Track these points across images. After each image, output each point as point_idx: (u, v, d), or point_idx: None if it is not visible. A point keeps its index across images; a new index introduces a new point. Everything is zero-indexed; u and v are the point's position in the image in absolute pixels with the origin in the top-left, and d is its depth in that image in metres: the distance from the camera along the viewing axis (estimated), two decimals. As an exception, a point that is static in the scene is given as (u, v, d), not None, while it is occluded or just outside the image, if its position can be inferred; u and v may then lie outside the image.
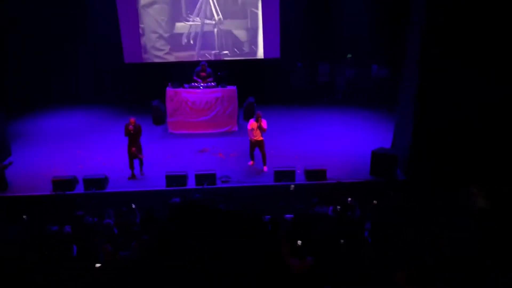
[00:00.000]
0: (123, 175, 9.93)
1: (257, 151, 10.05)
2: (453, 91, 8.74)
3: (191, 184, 9.43)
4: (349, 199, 8.00)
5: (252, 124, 9.77)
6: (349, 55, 14.31)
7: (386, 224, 7.12)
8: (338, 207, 7.88)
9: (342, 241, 6.70)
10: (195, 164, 10.24)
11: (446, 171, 8.90)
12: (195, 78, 12.42)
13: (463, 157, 8.99)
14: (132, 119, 9.48)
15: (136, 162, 9.82)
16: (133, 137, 9.53)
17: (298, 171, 9.64)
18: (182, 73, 12.80)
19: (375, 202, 8.13)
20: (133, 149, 9.55)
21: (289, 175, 9.43)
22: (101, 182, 9.32)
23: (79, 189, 9.39)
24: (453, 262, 5.61)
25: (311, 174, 9.52)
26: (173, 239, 2.05)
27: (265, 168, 9.97)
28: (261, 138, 9.81)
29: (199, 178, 9.34)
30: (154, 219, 7.48)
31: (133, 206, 8.13)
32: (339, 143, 11.43)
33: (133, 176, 9.87)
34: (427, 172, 9.07)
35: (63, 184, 9.27)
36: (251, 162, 10.23)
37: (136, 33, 14.29)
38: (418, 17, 8.88)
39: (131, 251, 6.25)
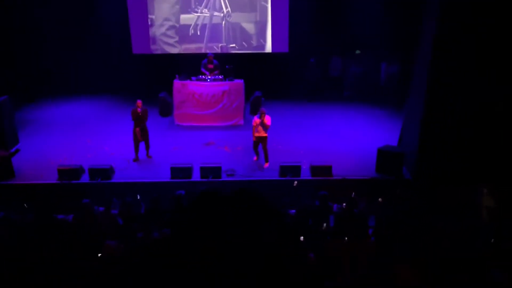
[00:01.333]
0: (129, 166, 9.97)
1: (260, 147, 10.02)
2: (463, 90, 8.66)
3: (196, 176, 9.44)
4: (353, 194, 7.97)
5: (255, 121, 9.73)
6: (357, 51, 14.19)
7: (390, 222, 7.10)
8: (344, 204, 7.86)
9: (345, 238, 6.71)
10: (200, 156, 10.24)
11: (453, 170, 8.85)
12: (202, 70, 12.41)
13: (470, 157, 8.93)
14: (139, 102, 9.86)
15: (142, 145, 10.11)
16: (141, 120, 9.85)
17: (304, 167, 9.61)
18: (190, 65, 12.78)
19: (380, 200, 8.11)
20: (138, 129, 9.83)
21: (294, 170, 9.41)
22: (107, 172, 9.35)
23: (85, 178, 9.44)
24: (455, 261, 5.58)
25: (316, 170, 9.50)
26: (192, 233, 2.00)
27: (266, 165, 9.95)
28: (264, 135, 9.75)
29: (205, 171, 9.35)
30: (158, 210, 7.50)
31: (138, 197, 8.15)
32: (346, 139, 11.37)
33: (137, 159, 10.13)
34: (433, 171, 9.01)
35: (69, 173, 9.31)
36: (255, 158, 10.21)
37: (145, 24, 14.27)
38: (431, 15, 8.78)
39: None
